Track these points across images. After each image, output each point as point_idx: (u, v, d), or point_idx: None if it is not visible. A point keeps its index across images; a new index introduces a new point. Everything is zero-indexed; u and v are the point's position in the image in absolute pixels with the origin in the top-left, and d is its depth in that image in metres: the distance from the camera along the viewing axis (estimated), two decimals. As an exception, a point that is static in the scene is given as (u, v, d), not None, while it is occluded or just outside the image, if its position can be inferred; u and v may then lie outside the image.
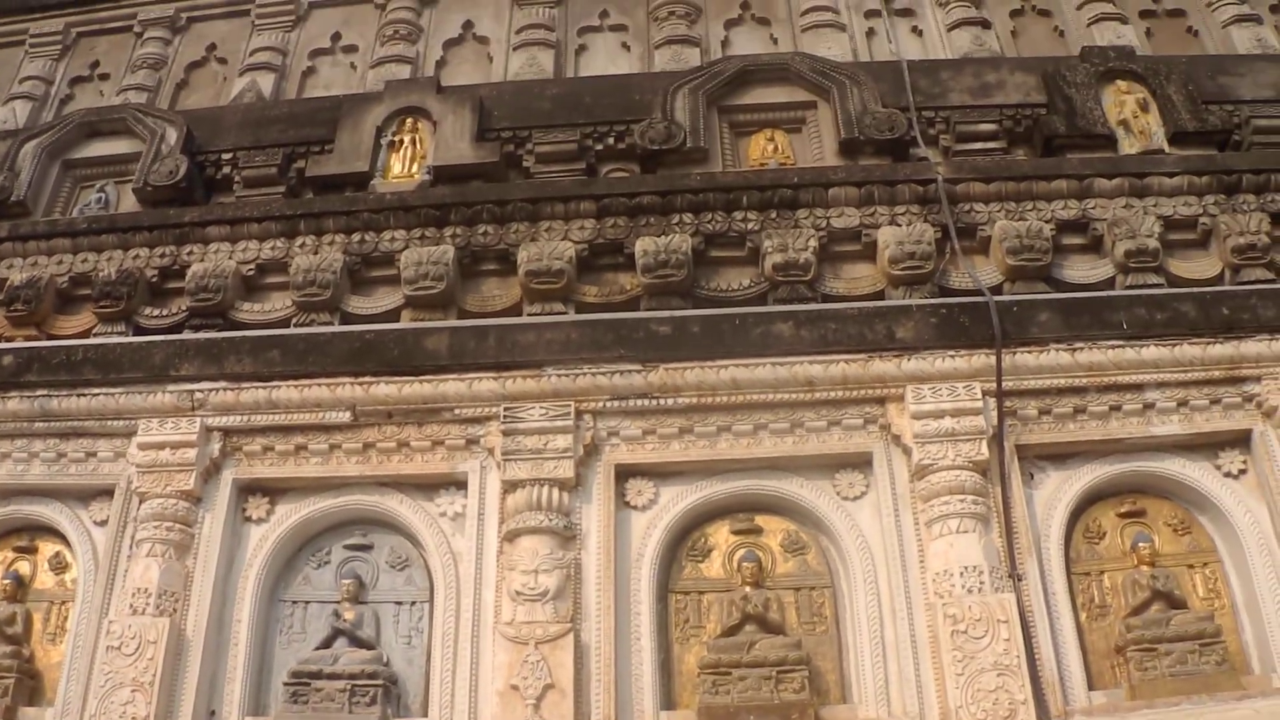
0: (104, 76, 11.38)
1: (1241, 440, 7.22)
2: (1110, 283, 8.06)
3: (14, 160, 9.60)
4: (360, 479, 7.37)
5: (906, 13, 10.66)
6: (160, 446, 7.37)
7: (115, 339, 8.19)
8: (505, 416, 7.22)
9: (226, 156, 9.46)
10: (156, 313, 8.49)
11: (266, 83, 10.71)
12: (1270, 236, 8.05)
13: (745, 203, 8.14)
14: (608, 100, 9.29)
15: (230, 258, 8.45)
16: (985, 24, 10.36)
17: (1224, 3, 10.60)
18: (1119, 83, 9.13)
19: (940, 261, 8.01)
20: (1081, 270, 8.14)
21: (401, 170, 9.07)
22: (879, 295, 7.98)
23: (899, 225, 8.04)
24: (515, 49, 10.55)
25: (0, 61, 11.74)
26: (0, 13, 12.05)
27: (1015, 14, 10.67)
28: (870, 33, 10.46)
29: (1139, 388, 7.24)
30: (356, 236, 8.37)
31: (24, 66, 11.53)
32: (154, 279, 8.52)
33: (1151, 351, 7.26)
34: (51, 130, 9.87)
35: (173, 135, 9.44)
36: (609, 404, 7.29)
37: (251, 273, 8.42)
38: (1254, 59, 9.79)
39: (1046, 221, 8.13)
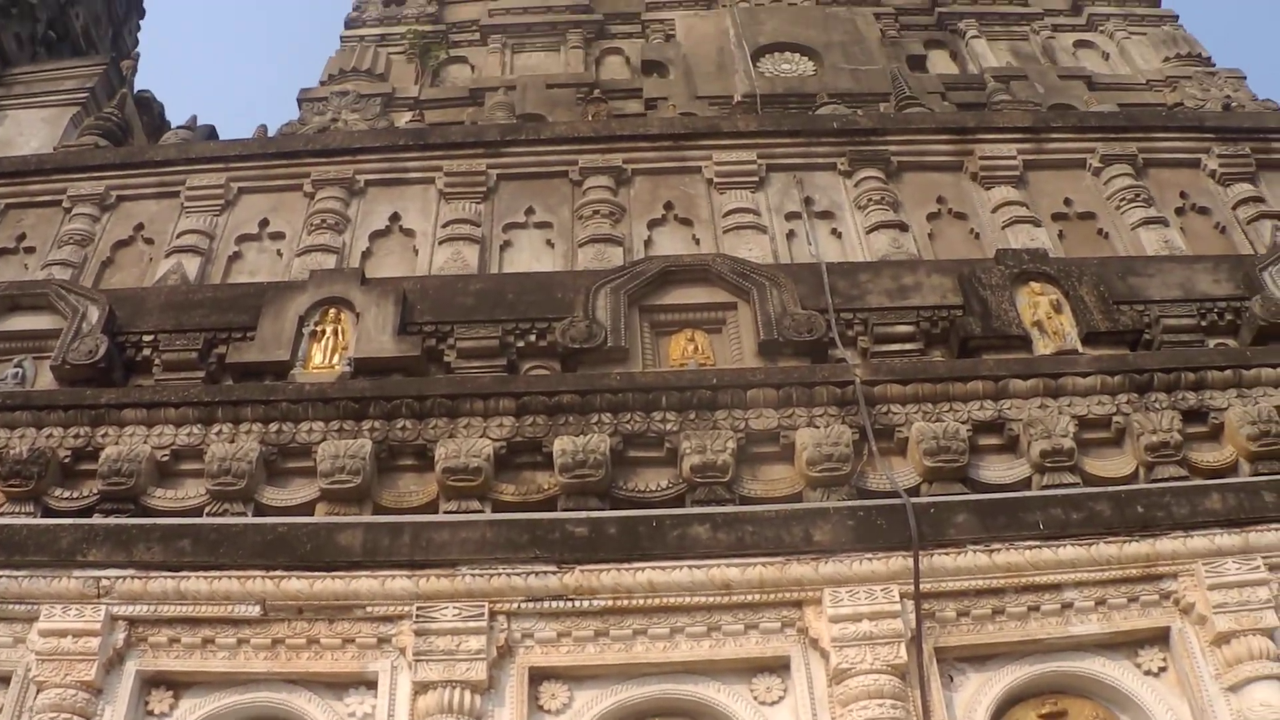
0: (29, 250, 11.31)
1: (1160, 638, 7.22)
2: (1027, 482, 8.13)
3: None
4: (268, 675, 7.14)
5: (826, 215, 10.88)
6: (62, 634, 7.12)
7: (22, 519, 8.01)
8: (418, 616, 7.08)
9: (148, 338, 9.41)
10: (67, 494, 8.31)
11: (192, 265, 10.71)
12: (1182, 434, 8.19)
13: (664, 403, 8.17)
14: (530, 297, 9.38)
15: (145, 442, 8.31)
16: (903, 227, 10.60)
17: (1132, 206, 10.95)
18: (1033, 284, 9.36)
19: (858, 463, 8.04)
20: (998, 470, 8.21)
21: (322, 361, 9.04)
22: (797, 497, 7.99)
23: (817, 427, 8.08)
24: (441, 243, 10.65)
25: None
26: None
27: (932, 217, 10.92)
28: (791, 234, 10.68)
29: (1057, 588, 7.23)
30: (274, 426, 8.29)
31: None
32: (66, 460, 8.36)
33: (1069, 551, 7.27)
34: (-28, 297, 9.80)
35: (95, 314, 9.39)
36: (524, 605, 7.17)
37: (166, 458, 8.28)
38: (1162, 260, 10.13)
39: (963, 423, 8.21)
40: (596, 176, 11.03)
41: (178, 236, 11.01)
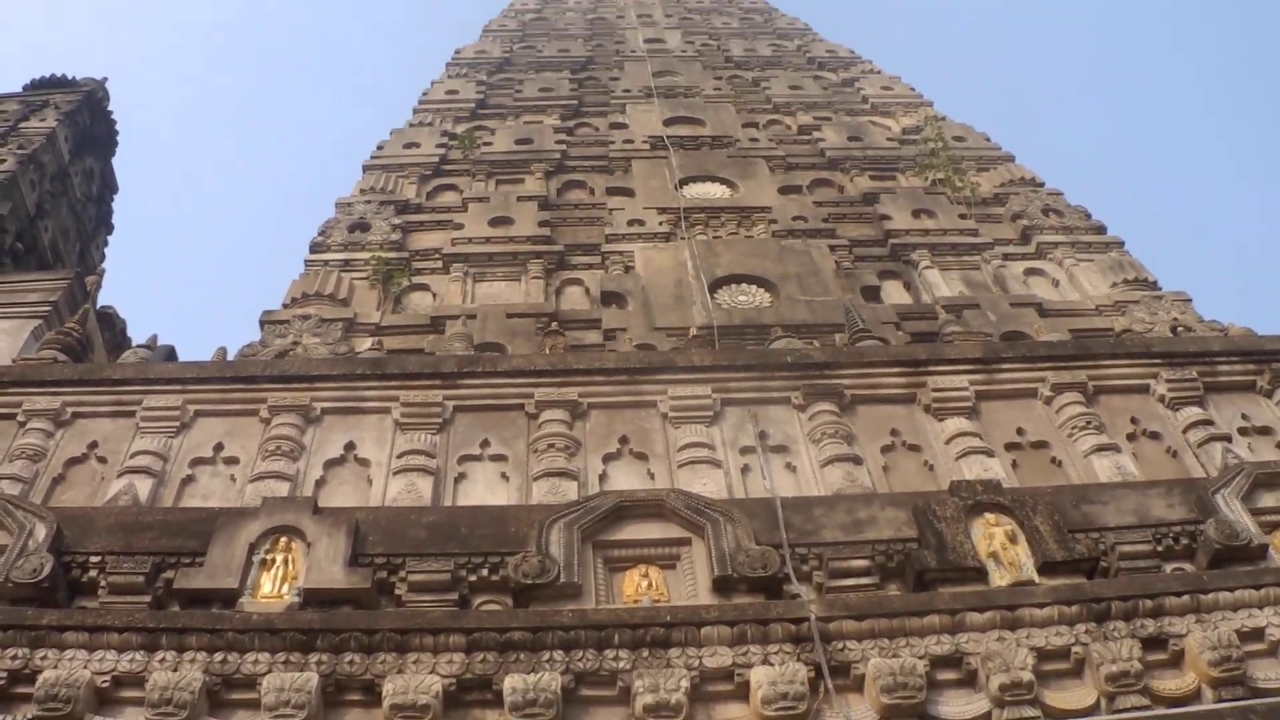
0: (-13, 463, 11.22)
1: None
2: (987, 718, 8.00)
3: None
4: None
5: (781, 449, 10.90)
6: None
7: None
8: None
9: (95, 559, 9.27)
10: (-1, 717, 8.10)
11: (144, 487, 10.59)
12: (1143, 662, 8.13)
13: (617, 641, 8.08)
14: (483, 531, 9.34)
15: (85, 667, 8.11)
16: (857, 460, 10.65)
17: (1084, 433, 11.06)
18: (988, 515, 9.40)
19: (814, 701, 7.93)
20: (957, 706, 8.09)
21: (271, 590, 8.90)
22: (752, 738, 7.84)
23: (772, 665, 7.99)
24: (395, 473, 10.60)
25: None
26: None
27: (886, 449, 10.98)
28: (745, 469, 10.69)
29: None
30: (219, 656, 8.10)
31: None
32: (2, 682, 8.13)
33: (1026, 793, 7.16)
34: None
35: (41, 531, 9.27)
36: None
37: (106, 684, 8.06)
38: (1115, 487, 10.21)
39: (920, 658, 8.13)
40: (552, 410, 11.07)
41: (131, 457, 10.91)
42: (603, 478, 10.59)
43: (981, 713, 8.02)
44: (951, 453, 10.86)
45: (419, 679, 7.93)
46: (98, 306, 15.94)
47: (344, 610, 8.60)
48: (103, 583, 9.14)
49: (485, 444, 10.96)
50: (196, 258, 76.75)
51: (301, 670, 8.01)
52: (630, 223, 16.79)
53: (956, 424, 11.11)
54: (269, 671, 8.01)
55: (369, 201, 17.39)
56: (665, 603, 8.79)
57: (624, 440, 10.95)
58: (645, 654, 8.04)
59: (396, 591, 9.00)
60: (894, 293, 15.64)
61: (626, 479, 10.53)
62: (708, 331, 13.66)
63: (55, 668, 8.11)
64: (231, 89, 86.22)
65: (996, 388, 11.59)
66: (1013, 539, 9.18)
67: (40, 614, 8.52)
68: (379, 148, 19.42)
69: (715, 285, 15.09)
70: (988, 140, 20.50)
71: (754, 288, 15.20)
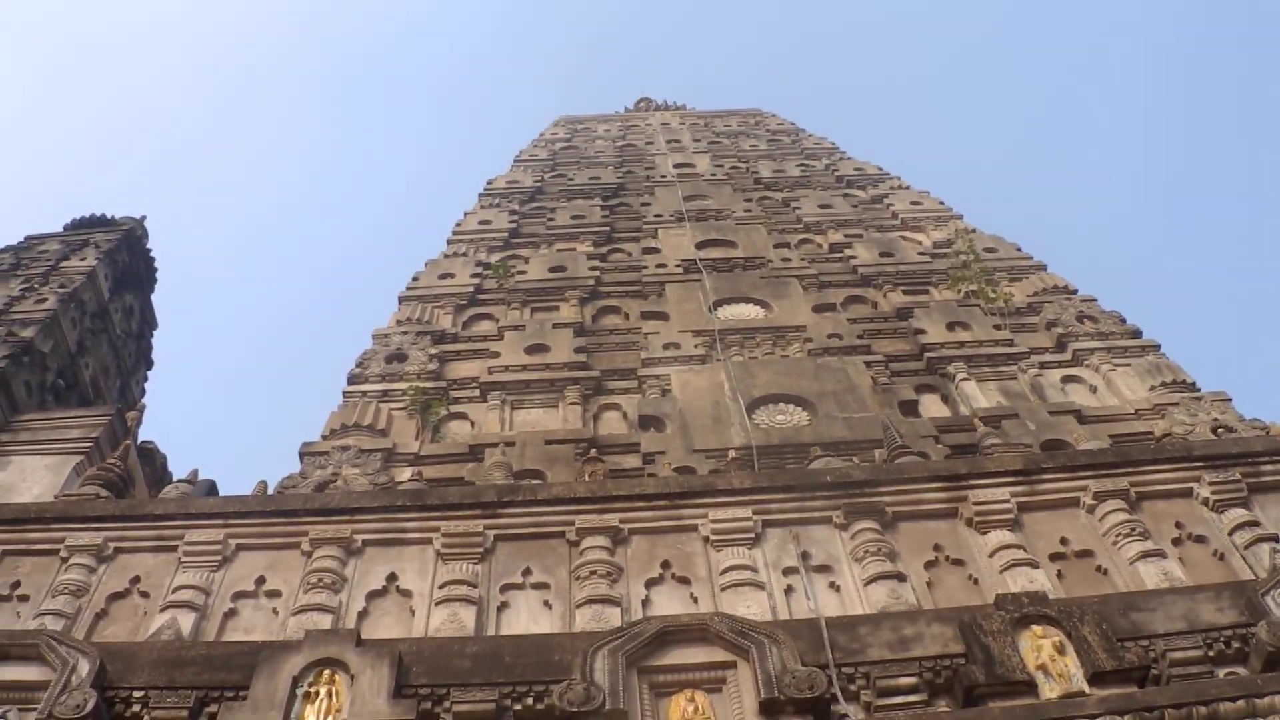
0: (23, 598, 11.23)
1: None
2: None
3: None
4: None
5: (824, 569, 10.85)
6: None
7: None
8: None
9: (138, 694, 9.29)
10: None
11: (187, 621, 10.63)
12: (1201, 768, 7.96)
13: (657, 768, 8.00)
14: (528, 660, 9.28)
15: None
16: (901, 577, 10.57)
17: (1129, 540, 10.95)
18: (1034, 628, 9.29)
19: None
20: (1021, 826, 7.95)
21: (314, 723, 8.86)
22: None
23: (812, 790, 7.89)
24: (438, 603, 10.59)
25: None
26: None
27: (930, 565, 10.90)
28: (789, 590, 10.63)
29: None
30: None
31: None
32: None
33: None
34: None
35: (85, 667, 9.29)
36: None
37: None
38: (1163, 593, 10.06)
39: (973, 775, 8.01)
40: (594, 537, 11.07)
41: (174, 591, 10.97)
42: (646, 603, 10.53)
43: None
44: (996, 566, 10.76)
45: None
46: (138, 442, 16.09)
47: None
48: (146, 718, 9.16)
49: (527, 572, 10.95)
50: (235, 391, 77.49)
51: None
52: (666, 346, 16.88)
53: (999, 536, 11.03)
54: None
55: (405, 332, 17.56)
56: (717, 728, 8.72)
57: (666, 565, 10.91)
58: (692, 782, 7.98)
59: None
60: (932, 406, 15.62)
61: (669, 604, 10.47)
62: (746, 452, 13.66)
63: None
64: (267, 223, 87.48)
65: (1038, 498, 11.51)
66: (1061, 650, 9.07)
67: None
68: (414, 279, 19.65)
69: (753, 406, 15.12)
70: (1019, 250, 20.57)
71: (792, 407, 15.22)
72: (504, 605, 10.69)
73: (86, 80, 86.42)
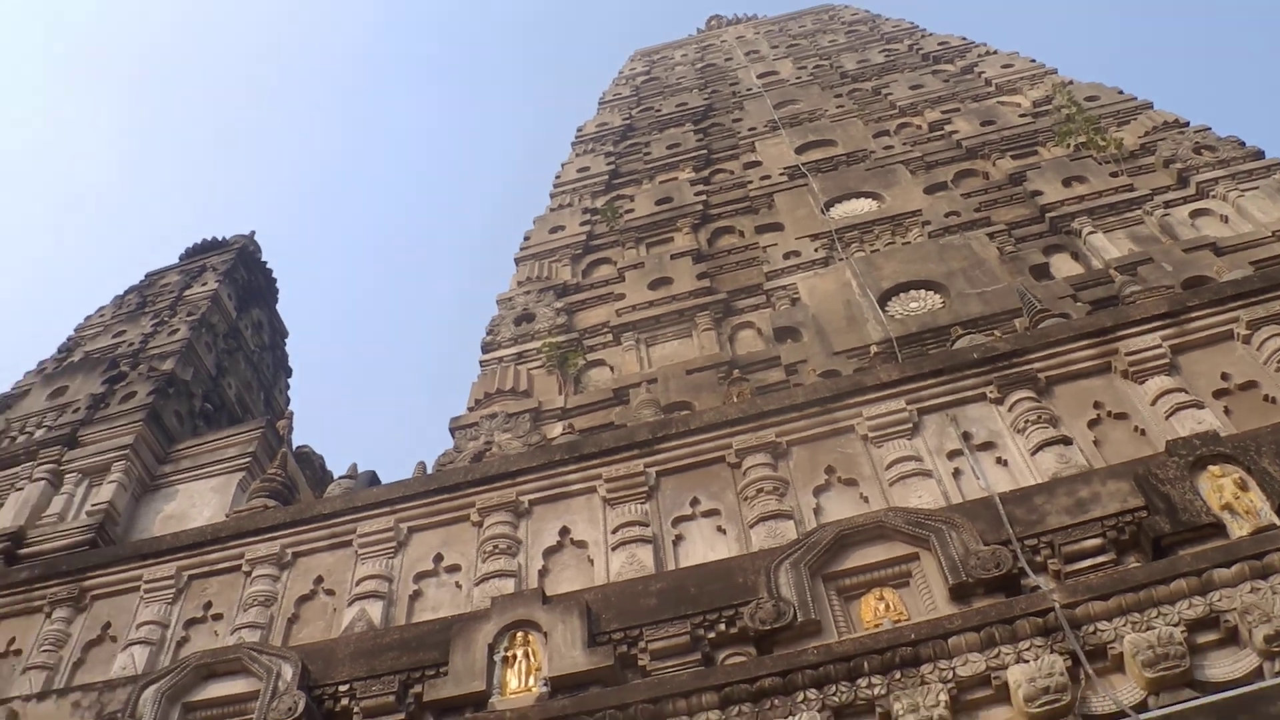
0: (217, 616, 11.62)
1: None
2: (1258, 672, 7.68)
3: (135, 707, 9.76)
4: None
5: (987, 446, 10.76)
6: None
7: None
8: None
9: (344, 688, 9.57)
10: None
11: (375, 610, 10.88)
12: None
13: (867, 668, 8.02)
14: (712, 587, 9.38)
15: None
16: (1066, 441, 10.45)
17: (1296, 362, 10.67)
18: (1212, 468, 9.12)
19: (1077, 690, 7.74)
20: (1224, 666, 7.79)
21: (518, 685, 9.04)
22: (1023, 737, 7.69)
23: (1027, 662, 7.84)
24: (614, 549, 10.72)
25: (118, 608, 12.07)
26: (115, 561, 12.55)
27: (1093, 424, 10.75)
28: (957, 473, 10.55)
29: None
30: (474, 762, 8.25)
31: (140, 612, 11.84)
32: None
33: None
34: (170, 674, 10.05)
35: (288, 671, 9.60)
36: None
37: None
38: (1343, 411, 9.77)
39: (1175, 625, 7.89)
40: (753, 455, 11.11)
41: (357, 584, 11.22)
42: (817, 511, 10.55)
43: (1252, 668, 7.71)
44: (1160, 413, 10.57)
45: None
46: (294, 448, 16.44)
47: (593, 691, 8.69)
48: (355, 709, 9.42)
49: (695, 502, 11.02)
50: (376, 381, 78.51)
51: None
52: (786, 255, 16.77)
53: (1158, 383, 10.83)
54: None
55: (528, 292, 17.65)
56: (906, 621, 8.69)
57: (830, 470, 10.91)
58: (898, 676, 7.96)
59: (640, 663, 9.07)
60: (1063, 266, 15.35)
61: (841, 508, 10.47)
62: (887, 346, 13.56)
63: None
64: (376, 214, 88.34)
65: (1190, 338, 11.27)
66: (1243, 486, 8.88)
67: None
68: (526, 239, 19.72)
69: (884, 298, 14.99)
70: (1121, 93, 20.03)
71: (923, 292, 15.04)
72: (679, 539, 10.77)
73: (175, 111, 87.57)
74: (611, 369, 15.46)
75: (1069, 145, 18.29)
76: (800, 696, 8.00)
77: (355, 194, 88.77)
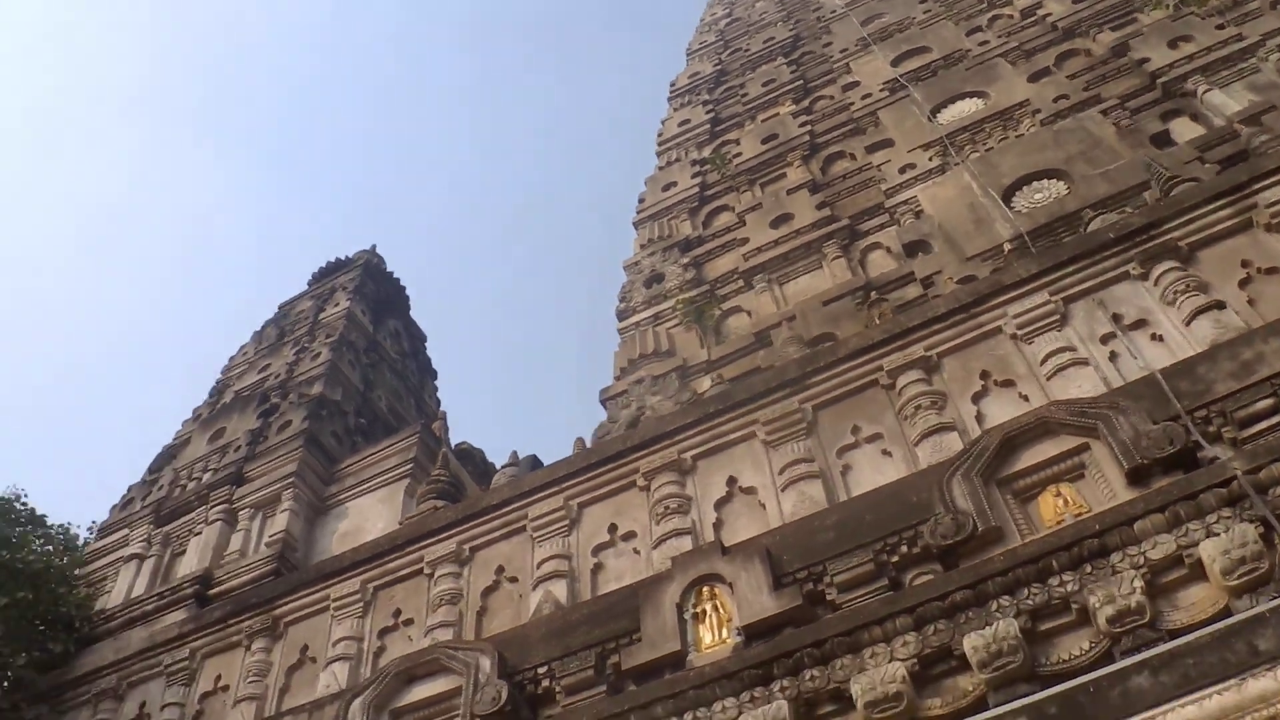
0: (408, 622, 11.95)
1: None
2: None
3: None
4: None
5: (1139, 324, 10.58)
6: None
7: None
8: None
9: (542, 670, 9.78)
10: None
11: (560, 590, 11.08)
12: None
13: (1056, 566, 7.99)
14: (887, 511, 9.40)
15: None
16: (1220, 305, 10.23)
17: None
18: (1375, 301, 8.86)
19: (1274, 556, 7.59)
20: None
21: (712, 639, 9.15)
22: (1225, 612, 7.56)
23: (1217, 535, 7.73)
24: (783, 490, 10.76)
25: (313, 630, 12.53)
26: (301, 586, 12.99)
27: (1243, 284, 10.48)
28: (1113, 356, 10.38)
29: None
30: (689, 716, 8.38)
31: (333, 630, 12.24)
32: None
33: None
34: (372, 685, 10.39)
35: (486, 663, 9.84)
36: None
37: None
38: None
39: (1364, 473, 7.72)
40: (906, 373, 11.07)
41: (537, 567, 11.42)
42: (979, 418, 10.47)
43: None
44: (1312, 259, 10.32)
45: (882, 670, 8.00)
46: (452, 446, 16.72)
47: (787, 633, 8.75)
48: (557, 689, 9.62)
49: (855, 430, 11.01)
50: (522, 368, 79.40)
51: (769, 701, 8.20)
52: (901, 170, 16.54)
53: (1306, 229, 10.54)
54: (739, 715, 8.21)
55: (652, 253, 17.63)
56: (1088, 514, 8.63)
57: (985, 375, 10.82)
58: (1088, 570, 7.92)
59: (828, 598, 9.12)
60: (1184, 130, 14.91)
61: (1002, 410, 10.38)
62: (1019, 241, 13.33)
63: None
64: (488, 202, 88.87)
65: (1330, 178, 10.94)
66: (1406, 314, 8.66)
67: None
68: (640, 201, 19.68)
69: (1008, 195, 14.71)
70: (1214, -59, 19.40)
71: (1045, 181, 14.72)
72: (846, 468, 10.79)
73: (293, 136, 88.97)
74: (749, 314, 15.39)
75: (1168, 6, 17.76)
76: (994, 605, 8.00)
77: (469, 189, 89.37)
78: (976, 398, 10.71)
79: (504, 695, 9.43)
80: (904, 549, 9.04)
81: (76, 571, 16.41)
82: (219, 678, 12.82)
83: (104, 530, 17.80)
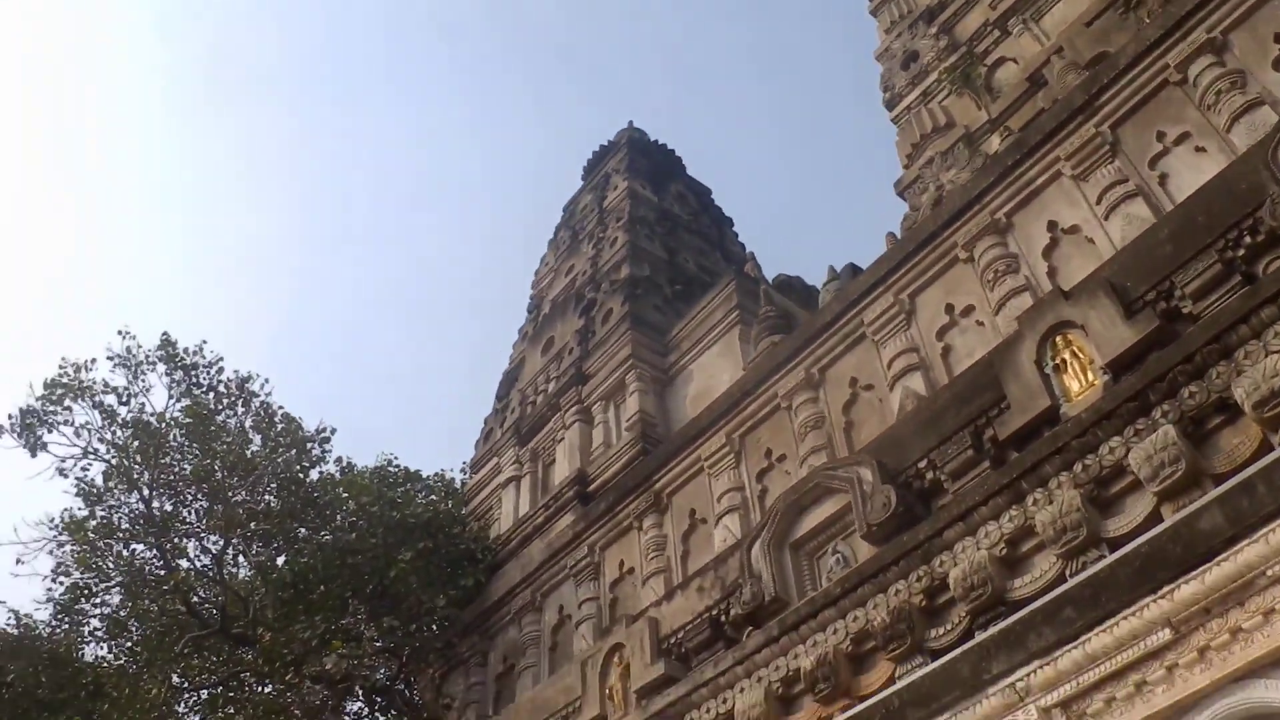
0: (781, 459, 12.34)
1: None
2: None
3: (750, 566, 10.44)
4: (1210, 688, 6.87)
5: None
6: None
7: (919, 672, 8.40)
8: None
9: (923, 464, 9.82)
10: (940, 630, 8.64)
11: (916, 382, 11.16)
12: None
13: None
14: (1219, 206, 8.70)
15: (978, 549, 8.46)
16: None
17: None
18: None
19: None
20: None
21: (1080, 385, 8.83)
22: None
23: None
24: (1106, 218, 10.43)
25: (694, 494, 13.02)
26: (671, 456, 13.62)
27: None
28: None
29: None
30: (1078, 467, 8.14)
31: (714, 487, 12.76)
32: (922, 603, 8.73)
33: None
34: (766, 526, 10.64)
35: (867, 474, 9.93)
36: None
37: (1003, 551, 8.35)
38: None
39: None
40: (1195, 63, 10.41)
41: (888, 368, 11.62)
42: (1293, 90, 9.74)
43: None
44: None
45: (1261, 367, 7.38)
46: (770, 281, 16.80)
47: (1153, 357, 8.25)
48: (942, 477, 9.63)
49: (1161, 136, 10.52)
50: (807, 186, 79.23)
51: (1155, 430, 7.79)
52: None
53: None
54: (1128, 451, 7.88)
55: (898, 35, 17.10)
56: None
57: (1280, 38, 10.05)
58: None
59: (1184, 311, 8.61)
60: None
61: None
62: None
63: (955, 565, 8.58)
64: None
65: None
66: None
67: (913, 535, 8.99)
68: (874, -14, 19.10)
69: None
70: None
71: None
72: (1163, 178, 10.35)
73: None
74: (1015, 61, 14.75)
75: None
76: None
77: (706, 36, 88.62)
78: (1278, 63, 9.97)
79: (893, 499, 9.50)
80: (1247, 239, 8.37)
81: (463, 510, 17.37)
82: (622, 563, 13.39)
83: (475, 466, 18.78)
